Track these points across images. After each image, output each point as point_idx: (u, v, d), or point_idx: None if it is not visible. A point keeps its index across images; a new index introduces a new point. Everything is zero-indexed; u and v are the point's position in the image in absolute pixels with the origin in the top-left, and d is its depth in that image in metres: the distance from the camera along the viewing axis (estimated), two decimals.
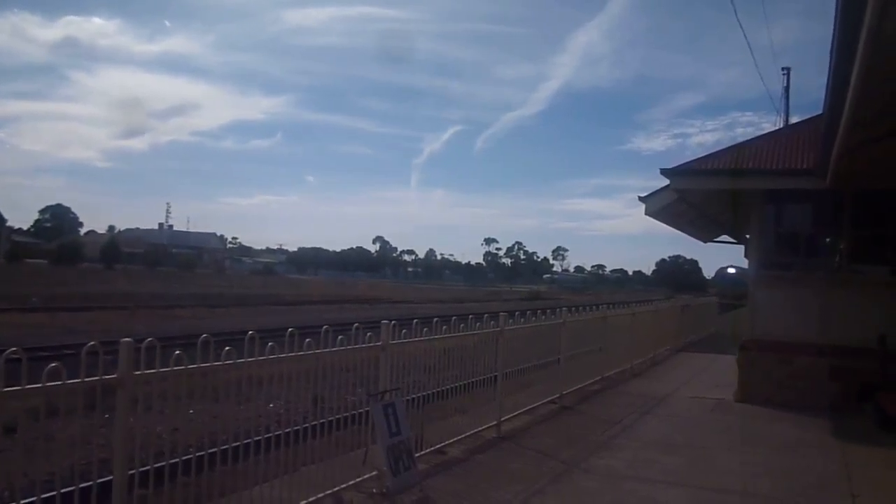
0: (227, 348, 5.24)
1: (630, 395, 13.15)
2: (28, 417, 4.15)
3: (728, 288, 47.51)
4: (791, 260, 13.23)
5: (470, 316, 9.12)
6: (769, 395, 12.32)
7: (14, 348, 3.72)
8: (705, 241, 22.38)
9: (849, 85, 6.22)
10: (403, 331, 7.54)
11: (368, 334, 6.96)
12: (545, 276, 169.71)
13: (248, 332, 5.50)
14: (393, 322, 7.31)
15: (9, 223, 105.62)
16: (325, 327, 6.38)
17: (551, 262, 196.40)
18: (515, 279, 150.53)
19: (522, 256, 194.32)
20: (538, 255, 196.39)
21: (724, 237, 21.90)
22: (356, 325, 6.89)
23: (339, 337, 6.56)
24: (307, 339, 6.06)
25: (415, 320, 7.94)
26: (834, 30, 5.64)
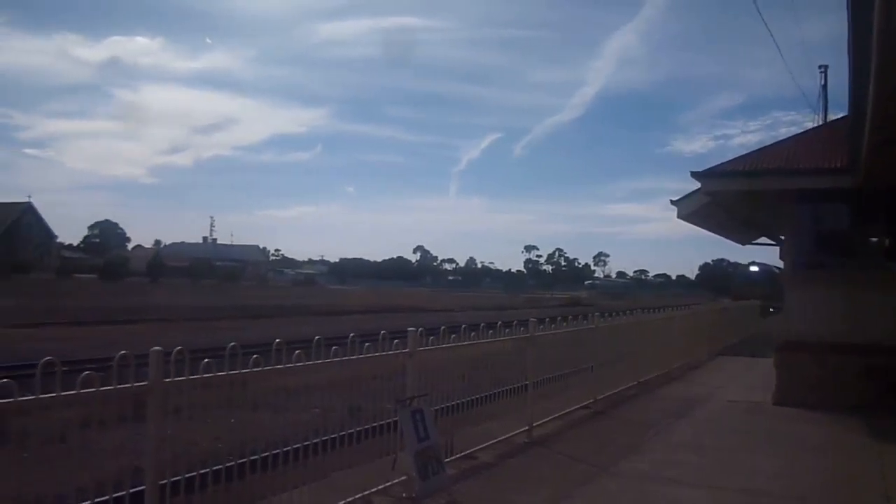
0: (254, 356, 5.43)
1: (665, 400, 13.09)
2: (72, 426, 4.38)
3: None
4: (826, 259, 13.06)
5: (499, 323, 9.16)
6: (805, 397, 12.16)
7: (49, 357, 3.93)
8: (744, 244, 22.17)
9: (868, 82, 6.22)
10: (431, 338, 7.68)
11: (395, 342, 7.11)
12: (586, 282, 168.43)
13: (284, 341, 5.67)
14: (420, 329, 7.45)
15: (59, 239, 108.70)
16: (350, 335, 6.54)
17: (592, 268, 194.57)
18: (556, 286, 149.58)
19: (563, 263, 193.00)
20: (579, 261, 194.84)
21: (763, 239, 21.64)
22: (382, 332, 7.03)
23: (367, 344, 6.73)
24: (333, 348, 6.24)
25: (442, 327, 8.04)
26: (848, 29, 5.66)
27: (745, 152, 13.85)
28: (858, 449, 9.47)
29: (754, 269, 45.60)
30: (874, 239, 13.00)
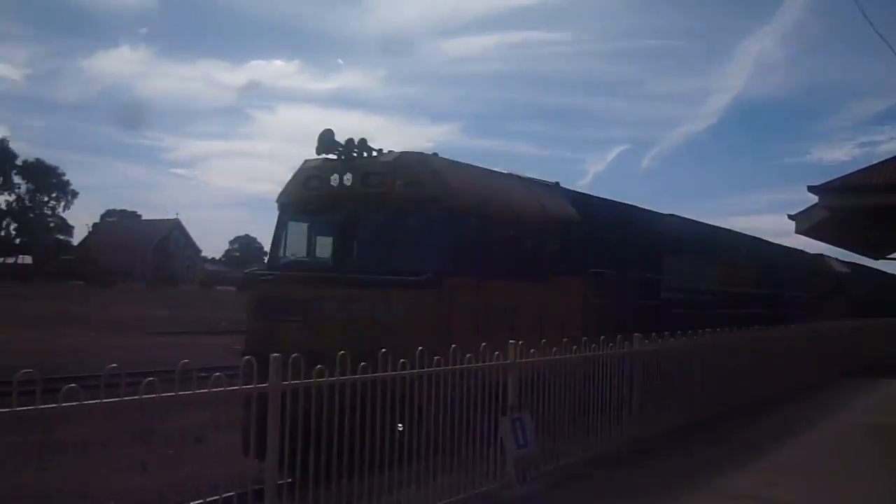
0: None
1: (780, 419, 12.82)
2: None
3: None
4: None
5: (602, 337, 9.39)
6: None
7: (186, 360, 4.71)
8: (876, 258, 21.11)
9: None
10: (532, 350, 8.06)
11: (497, 353, 7.57)
12: None
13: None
14: (521, 342, 7.85)
15: (202, 253, 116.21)
16: (452, 346, 7.05)
17: None
18: None
19: None
20: None
21: None
22: (483, 344, 7.46)
23: (468, 355, 7.22)
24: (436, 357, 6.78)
25: (543, 340, 8.36)
26: None
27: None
28: None
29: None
30: None
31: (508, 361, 7.71)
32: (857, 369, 20.33)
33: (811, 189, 12.87)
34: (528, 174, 11.48)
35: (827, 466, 9.43)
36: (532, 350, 8.03)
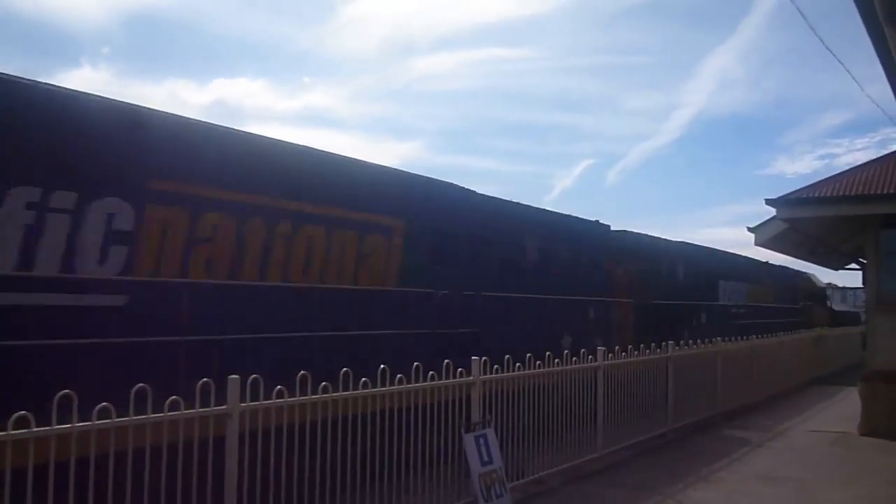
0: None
1: (745, 430, 12.94)
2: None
3: None
4: None
5: (566, 351, 9.43)
6: (894, 428, 11.83)
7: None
8: (836, 269, 21.52)
9: None
10: (496, 366, 8.04)
11: (460, 370, 7.54)
12: None
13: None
14: (484, 358, 7.83)
15: None
16: (415, 364, 7.02)
17: None
18: None
19: None
20: None
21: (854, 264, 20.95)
22: (446, 361, 7.44)
23: (430, 372, 7.18)
24: (398, 375, 6.73)
25: (507, 356, 8.37)
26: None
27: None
28: None
29: None
30: None
31: (471, 378, 7.69)
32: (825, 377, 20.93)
33: (769, 202, 13.07)
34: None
35: (796, 474, 9.54)
36: (496, 366, 8.03)
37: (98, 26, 57.58)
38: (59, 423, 4.36)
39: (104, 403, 4.53)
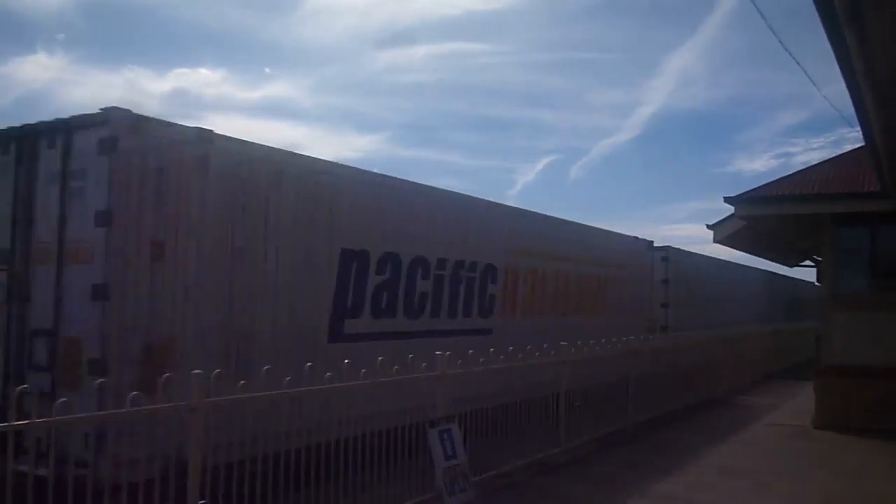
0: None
1: (706, 423, 13.18)
2: None
3: None
4: (865, 283, 13.05)
5: (529, 346, 9.49)
6: (849, 421, 12.12)
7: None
8: (791, 266, 22.00)
9: (869, 119, 6.50)
10: (459, 361, 8.05)
11: (424, 364, 7.54)
12: None
13: None
14: (448, 353, 7.85)
15: None
16: (379, 359, 7.00)
17: None
18: None
19: None
20: None
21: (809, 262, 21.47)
22: (411, 356, 7.45)
23: (395, 367, 7.17)
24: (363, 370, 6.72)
25: (470, 350, 8.37)
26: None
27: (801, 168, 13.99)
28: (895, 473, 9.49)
29: None
30: None
31: (437, 373, 7.70)
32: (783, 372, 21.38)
33: (727, 200, 13.31)
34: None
35: (754, 467, 9.74)
36: (459, 361, 8.05)
37: (54, 11, 56.20)
38: None
39: None
